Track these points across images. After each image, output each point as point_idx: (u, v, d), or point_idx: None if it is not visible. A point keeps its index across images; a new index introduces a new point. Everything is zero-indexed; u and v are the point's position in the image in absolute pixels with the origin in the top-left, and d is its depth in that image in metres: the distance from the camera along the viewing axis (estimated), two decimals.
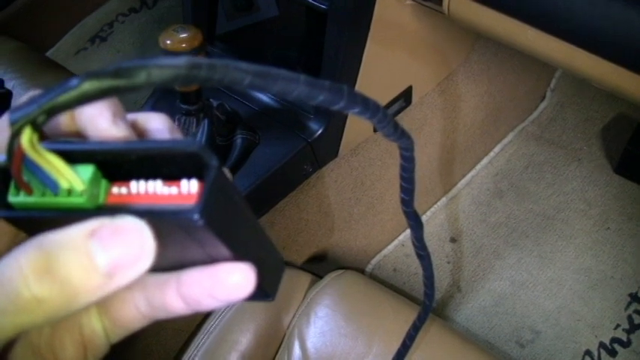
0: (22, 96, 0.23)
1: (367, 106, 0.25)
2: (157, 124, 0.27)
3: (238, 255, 0.24)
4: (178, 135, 0.27)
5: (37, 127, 0.21)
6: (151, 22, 1.67)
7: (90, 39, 1.63)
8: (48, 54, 1.55)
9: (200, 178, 0.22)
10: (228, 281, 0.24)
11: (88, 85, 0.20)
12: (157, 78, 0.20)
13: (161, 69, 0.20)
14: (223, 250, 0.24)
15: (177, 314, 0.26)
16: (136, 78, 0.20)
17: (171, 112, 0.77)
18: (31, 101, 0.21)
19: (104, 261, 0.21)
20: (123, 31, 1.65)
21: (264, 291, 0.26)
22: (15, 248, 0.21)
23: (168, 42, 0.76)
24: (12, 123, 0.21)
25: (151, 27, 1.66)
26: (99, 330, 0.28)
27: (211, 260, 0.25)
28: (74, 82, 0.20)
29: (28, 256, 0.21)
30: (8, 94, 0.96)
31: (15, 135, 0.21)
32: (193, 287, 0.25)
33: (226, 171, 0.24)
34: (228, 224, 0.23)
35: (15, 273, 0.21)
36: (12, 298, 0.20)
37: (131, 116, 0.27)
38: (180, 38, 0.76)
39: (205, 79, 0.21)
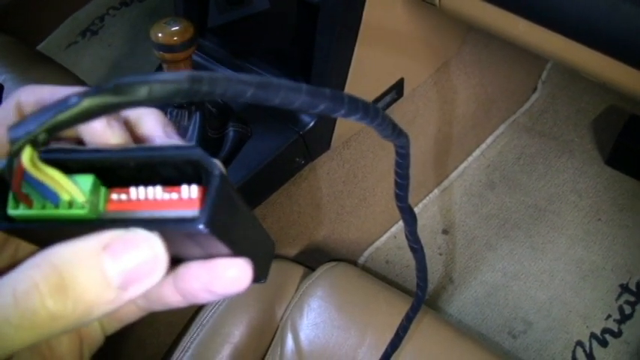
0: (13, 90, 0.23)
1: (367, 112, 0.25)
2: (151, 121, 0.27)
3: (236, 251, 0.24)
4: (172, 131, 0.27)
5: (37, 145, 0.21)
6: (142, 16, 1.66)
7: (81, 32, 1.62)
8: (39, 48, 1.55)
9: (199, 182, 0.22)
10: (226, 276, 0.24)
11: (88, 103, 0.20)
12: (158, 94, 0.20)
13: (163, 84, 0.20)
14: (223, 249, 0.24)
15: (174, 307, 0.27)
16: (137, 94, 0.20)
17: (163, 105, 0.76)
18: (32, 119, 0.21)
19: (117, 275, 0.21)
20: (114, 24, 1.65)
21: (256, 275, 0.27)
22: (26, 261, 0.21)
23: (160, 35, 0.75)
24: (12, 141, 0.21)
25: (142, 20, 1.65)
26: (95, 323, 0.28)
27: (209, 256, 0.25)
28: (74, 99, 0.20)
29: (42, 272, 0.21)
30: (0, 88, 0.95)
31: (15, 154, 0.21)
32: (191, 281, 0.25)
33: (219, 163, 0.24)
34: (229, 227, 0.24)
35: (30, 289, 0.21)
36: (27, 315, 0.20)
37: (123, 112, 0.27)
38: (171, 31, 0.75)
39: (207, 93, 0.20)
